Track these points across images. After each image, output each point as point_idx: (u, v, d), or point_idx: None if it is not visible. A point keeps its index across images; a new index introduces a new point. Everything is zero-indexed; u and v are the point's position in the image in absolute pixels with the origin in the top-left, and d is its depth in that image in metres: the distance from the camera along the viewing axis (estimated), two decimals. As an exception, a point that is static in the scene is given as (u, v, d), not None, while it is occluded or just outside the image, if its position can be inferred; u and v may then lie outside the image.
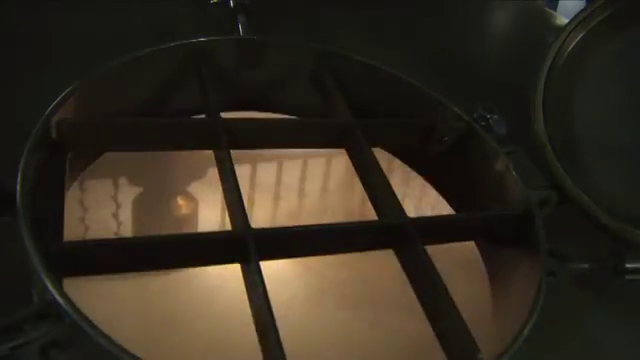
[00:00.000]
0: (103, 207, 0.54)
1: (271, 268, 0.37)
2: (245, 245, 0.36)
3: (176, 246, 0.38)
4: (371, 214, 0.45)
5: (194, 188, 0.58)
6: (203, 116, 0.50)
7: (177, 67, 0.50)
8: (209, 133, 0.45)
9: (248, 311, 0.35)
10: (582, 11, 0.58)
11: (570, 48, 0.58)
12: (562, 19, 0.87)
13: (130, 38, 0.52)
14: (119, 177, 0.56)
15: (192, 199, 0.57)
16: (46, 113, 0.40)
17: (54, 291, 0.30)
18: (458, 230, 0.46)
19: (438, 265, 0.39)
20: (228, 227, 0.39)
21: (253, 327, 0.34)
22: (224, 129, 0.45)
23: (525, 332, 0.37)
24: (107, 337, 0.29)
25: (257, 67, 0.54)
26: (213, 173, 0.44)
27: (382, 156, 0.51)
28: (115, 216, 0.54)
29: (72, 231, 0.38)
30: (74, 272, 0.35)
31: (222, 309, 0.46)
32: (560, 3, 1.18)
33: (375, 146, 0.49)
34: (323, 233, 0.41)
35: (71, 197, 0.49)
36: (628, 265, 0.46)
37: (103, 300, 0.44)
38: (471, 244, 0.49)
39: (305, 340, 0.45)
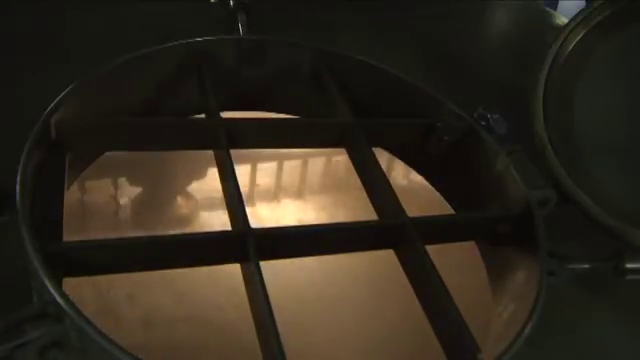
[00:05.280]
0: (103, 207, 0.54)
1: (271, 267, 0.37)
2: (245, 245, 0.36)
3: (176, 246, 0.37)
4: (371, 214, 0.45)
5: (194, 188, 0.58)
6: (203, 116, 0.50)
7: (177, 67, 0.50)
8: (209, 133, 0.45)
9: (248, 310, 0.35)
10: (582, 11, 0.58)
11: (570, 48, 0.58)
12: (562, 19, 0.87)
13: (130, 38, 0.52)
14: (119, 177, 0.56)
15: (192, 199, 0.57)
16: (45, 113, 0.40)
17: (54, 291, 0.30)
18: (458, 230, 0.46)
19: (438, 265, 0.39)
20: (228, 227, 0.39)
21: (253, 327, 0.35)
22: (224, 129, 0.45)
23: (525, 332, 0.37)
24: (106, 337, 0.29)
25: (257, 67, 0.54)
26: (213, 173, 0.44)
27: (382, 156, 0.51)
28: (115, 216, 0.54)
29: (72, 231, 0.38)
30: (74, 272, 0.35)
31: (223, 308, 0.46)
32: (560, 3, 1.19)
33: (375, 146, 0.49)
34: (323, 233, 0.41)
35: (71, 197, 0.49)
36: (628, 265, 0.46)
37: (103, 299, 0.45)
38: (471, 244, 0.49)
39: (305, 340, 0.45)
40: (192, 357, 0.43)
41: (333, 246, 0.42)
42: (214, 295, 0.46)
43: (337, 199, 0.62)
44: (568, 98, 0.57)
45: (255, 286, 0.34)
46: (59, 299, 0.30)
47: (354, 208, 0.57)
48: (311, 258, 0.41)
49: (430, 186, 0.55)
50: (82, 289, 0.41)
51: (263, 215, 0.58)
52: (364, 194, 0.47)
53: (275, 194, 0.61)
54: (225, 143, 0.44)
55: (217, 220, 0.55)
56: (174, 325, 0.45)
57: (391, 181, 0.44)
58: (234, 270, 0.37)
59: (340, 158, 0.62)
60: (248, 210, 0.38)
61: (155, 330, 0.45)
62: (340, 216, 0.59)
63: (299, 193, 0.62)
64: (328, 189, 0.63)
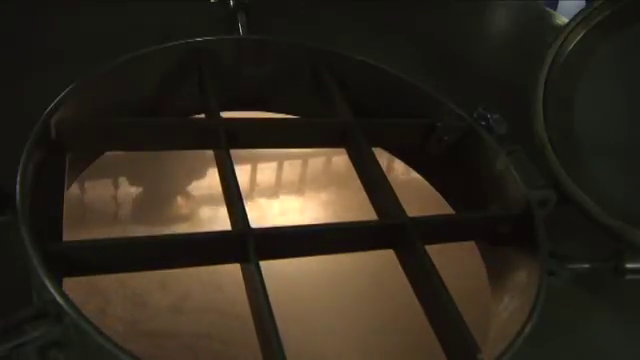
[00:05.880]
0: (103, 207, 0.54)
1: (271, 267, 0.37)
2: (245, 245, 0.36)
3: (176, 246, 0.37)
4: (371, 214, 0.45)
5: (194, 188, 0.58)
6: (203, 116, 0.50)
7: (177, 67, 0.50)
8: (209, 133, 0.45)
9: (248, 310, 0.35)
10: (582, 11, 0.58)
11: (570, 48, 0.58)
12: (562, 19, 0.87)
13: (130, 38, 0.52)
14: (119, 177, 0.56)
15: (192, 199, 0.57)
16: (45, 113, 0.40)
17: (54, 291, 0.30)
18: (458, 230, 0.46)
19: (438, 265, 0.39)
20: (228, 227, 0.39)
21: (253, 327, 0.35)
22: (224, 129, 0.45)
23: (525, 332, 0.37)
24: (106, 337, 0.29)
25: (257, 67, 0.54)
26: (213, 173, 0.44)
27: (382, 156, 0.51)
28: (115, 216, 0.54)
29: (72, 231, 0.38)
30: (74, 272, 0.35)
31: (222, 308, 0.46)
32: (560, 3, 1.19)
33: (375, 146, 0.49)
34: (323, 233, 0.41)
35: (71, 197, 0.49)
36: (628, 265, 0.46)
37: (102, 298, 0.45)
38: (471, 244, 0.49)
39: (305, 339, 0.45)
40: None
41: (333, 246, 0.42)
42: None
43: (338, 197, 0.62)
44: (568, 98, 0.57)
45: (255, 286, 0.34)
46: (59, 299, 0.30)
47: (352, 206, 0.57)
48: (311, 258, 0.41)
49: (430, 186, 0.55)
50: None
51: (263, 214, 0.58)
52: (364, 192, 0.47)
53: (275, 193, 0.61)
54: (225, 143, 0.44)
55: (217, 220, 0.55)
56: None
57: (391, 181, 0.44)
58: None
59: (340, 158, 0.62)
60: (248, 209, 0.38)
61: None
62: (340, 212, 0.59)
63: (299, 192, 0.62)
64: (328, 187, 0.63)
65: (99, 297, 0.45)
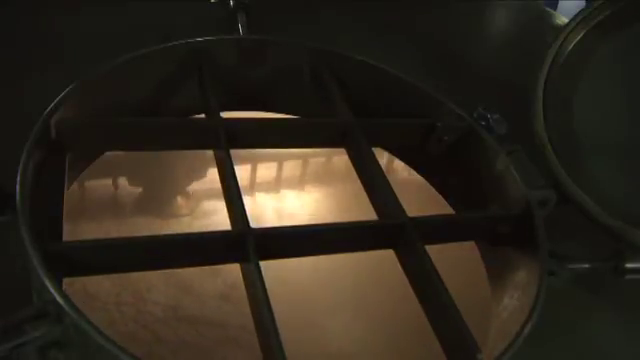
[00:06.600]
0: (103, 207, 0.54)
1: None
2: (245, 245, 0.36)
3: (176, 246, 0.37)
4: (371, 214, 0.45)
5: (194, 188, 0.58)
6: (203, 116, 0.50)
7: (177, 67, 0.50)
8: (209, 133, 0.45)
9: (248, 310, 0.35)
10: (582, 11, 0.58)
11: (570, 48, 0.58)
12: (562, 19, 0.87)
13: (130, 38, 0.52)
14: (119, 177, 0.56)
15: (192, 199, 0.57)
16: (45, 113, 0.40)
17: (54, 291, 0.30)
18: (458, 230, 0.46)
19: (438, 265, 0.39)
20: (228, 227, 0.39)
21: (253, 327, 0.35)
22: (224, 129, 0.45)
23: (525, 332, 0.37)
24: (106, 337, 0.29)
25: (257, 67, 0.54)
26: (213, 173, 0.44)
27: (382, 156, 0.51)
28: (115, 216, 0.54)
29: (72, 231, 0.38)
30: (74, 272, 0.35)
31: (221, 308, 0.46)
32: (560, 3, 1.19)
33: (375, 146, 0.49)
34: (323, 233, 0.41)
35: (71, 197, 0.49)
36: (628, 265, 0.46)
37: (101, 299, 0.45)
38: (471, 244, 0.49)
39: (305, 338, 0.45)
40: (191, 355, 0.43)
41: (333, 246, 0.42)
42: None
43: (337, 197, 0.62)
44: (568, 98, 0.57)
45: (255, 286, 0.34)
46: (59, 299, 0.30)
47: (352, 206, 0.57)
48: (311, 257, 0.41)
49: (430, 186, 0.55)
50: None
51: (263, 214, 0.58)
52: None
53: (275, 193, 0.61)
54: (225, 143, 0.44)
55: (217, 220, 0.55)
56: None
57: (391, 181, 0.44)
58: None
59: (340, 158, 0.62)
60: (248, 209, 0.38)
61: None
62: (340, 212, 0.59)
63: (299, 192, 0.62)
64: (328, 187, 0.63)
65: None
